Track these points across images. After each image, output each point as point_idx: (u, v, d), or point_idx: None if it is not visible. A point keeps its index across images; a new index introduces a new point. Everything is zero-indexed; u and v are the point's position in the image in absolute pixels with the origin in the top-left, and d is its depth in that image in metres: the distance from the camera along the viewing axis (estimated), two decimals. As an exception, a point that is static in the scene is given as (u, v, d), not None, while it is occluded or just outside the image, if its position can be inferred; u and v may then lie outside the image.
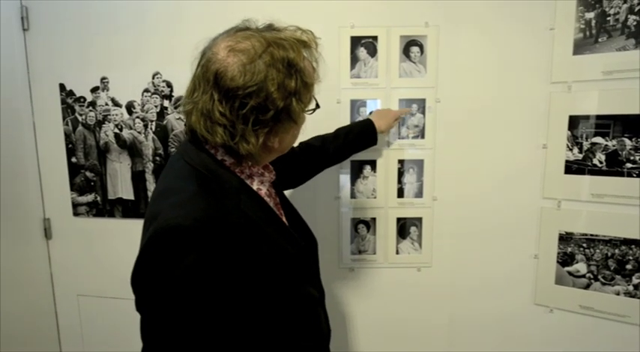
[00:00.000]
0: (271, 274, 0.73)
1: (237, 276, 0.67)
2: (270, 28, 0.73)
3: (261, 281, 0.71)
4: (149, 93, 1.40)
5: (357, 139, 1.22)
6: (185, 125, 0.80)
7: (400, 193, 1.35)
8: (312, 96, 0.76)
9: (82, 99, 1.44)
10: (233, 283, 0.67)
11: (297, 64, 0.69)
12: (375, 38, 1.29)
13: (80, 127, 1.46)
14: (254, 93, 0.66)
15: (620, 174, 1.13)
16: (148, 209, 0.74)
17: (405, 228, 1.37)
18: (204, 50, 0.72)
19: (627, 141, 1.11)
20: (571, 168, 1.18)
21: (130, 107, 1.42)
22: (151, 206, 0.73)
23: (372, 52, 1.30)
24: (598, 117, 1.14)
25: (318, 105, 0.78)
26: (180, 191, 0.69)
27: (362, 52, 1.30)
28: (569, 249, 1.21)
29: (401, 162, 1.34)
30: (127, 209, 1.47)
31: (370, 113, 1.31)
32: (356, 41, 1.29)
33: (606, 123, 1.13)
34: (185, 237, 0.63)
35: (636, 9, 1.09)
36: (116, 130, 1.44)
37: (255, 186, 0.78)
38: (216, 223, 0.66)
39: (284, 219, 0.85)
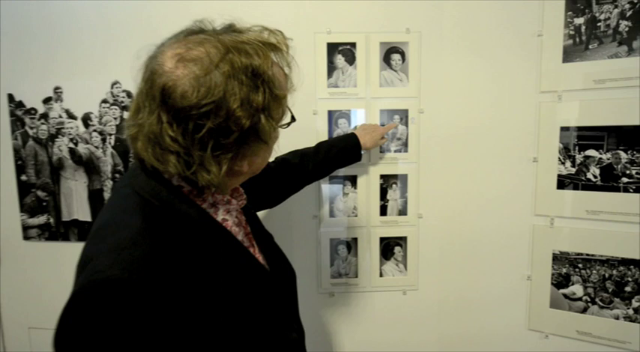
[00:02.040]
0: (238, 322, 0.61)
1: (191, 334, 0.54)
2: (229, 29, 0.60)
3: (226, 332, 0.59)
4: (108, 105, 1.29)
5: (340, 155, 1.12)
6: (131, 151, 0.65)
7: (383, 211, 1.26)
8: (286, 109, 0.64)
9: (32, 111, 1.31)
10: (186, 343, 0.54)
11: (265, 73, 0.57)
12: (353, 45, 1.21)
13: (31, 142, 1.32)
14: (211, 113, 0.54)
15: (616, 190, 1.06)
16: (82, 250, 0.60)
17: (388, 248, 1.28)
18: (147, 60, 0.59)
19: (622, 154, 1.04)
20: (564, 182, 1.11)
21: (86, 119, 1.30)
22: (85, 247, 0.60)
23: (351, 59, 1.21)
24: (591, 128, 1.07)
25: (293, 119, 0.66)
26: (122, 228, 0.57)
27: (339, 60, 1.21)
28: (564, 270, 1.12)
29: (383, 177, 1.25)
30: (83, 231, 1.34)
31: (355, 128, 1.21)
32: (333, 48, 1.21)
33: (600, 135, 1.07)
34: (119, 294, 0.50)
35: (628, 14, 1.03)
36: (71, 145, 1.31)
37: (219, 217, 0.65)
38: (162, 273, 0.53)
39: (256, 252, 0.73)
